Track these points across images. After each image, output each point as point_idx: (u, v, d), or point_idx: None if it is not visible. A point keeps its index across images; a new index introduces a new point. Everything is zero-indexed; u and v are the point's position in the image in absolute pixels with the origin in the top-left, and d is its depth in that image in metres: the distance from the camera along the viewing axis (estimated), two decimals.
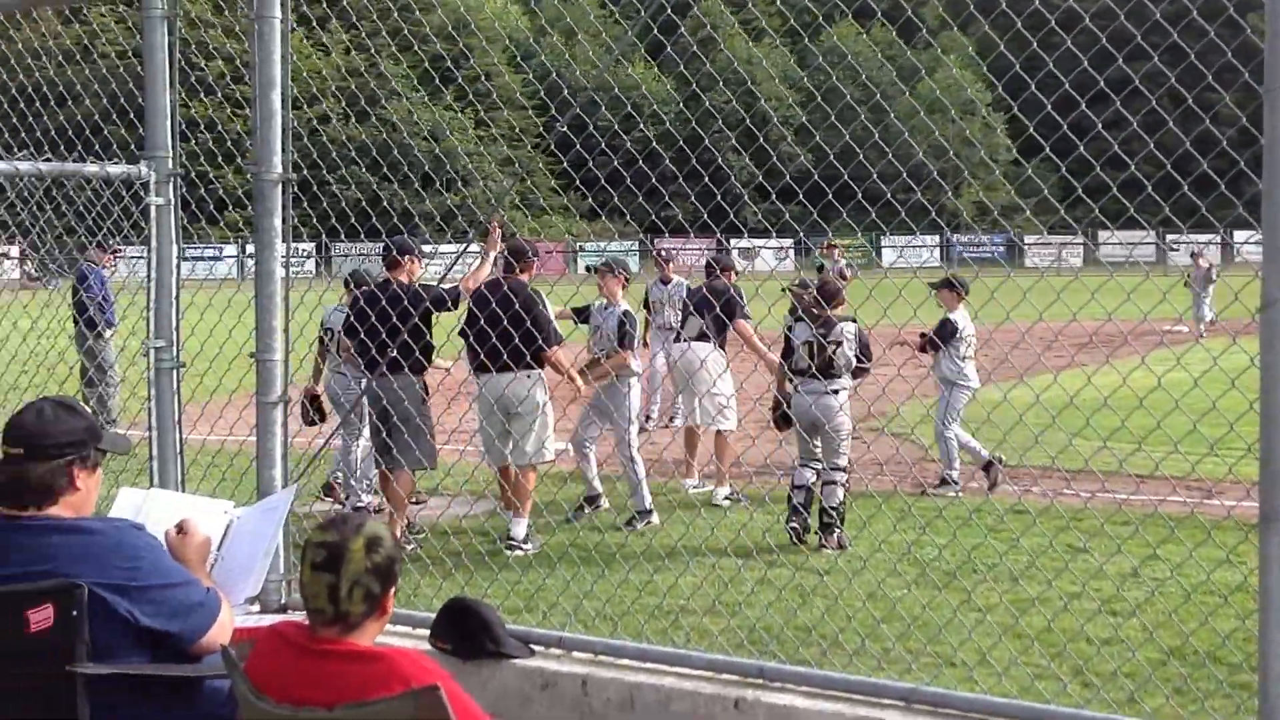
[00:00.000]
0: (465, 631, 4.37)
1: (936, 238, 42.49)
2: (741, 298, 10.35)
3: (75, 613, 3.34)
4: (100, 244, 10.58)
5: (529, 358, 8.12)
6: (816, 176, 5.10)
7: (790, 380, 8.45)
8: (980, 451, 9.89)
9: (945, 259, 42.49)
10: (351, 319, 8.36)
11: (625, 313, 9.27)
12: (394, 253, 8.51)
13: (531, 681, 4.29)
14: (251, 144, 4.87)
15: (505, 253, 8.68)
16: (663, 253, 14.19)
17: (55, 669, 3.35)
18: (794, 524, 8.11)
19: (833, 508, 8.18)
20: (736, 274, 10.93)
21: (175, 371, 5.14)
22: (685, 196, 5.47)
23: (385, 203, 7.07)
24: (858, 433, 9.74)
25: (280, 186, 4.85)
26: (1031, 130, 4.25)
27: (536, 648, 4.44)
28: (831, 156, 5.05)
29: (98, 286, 11.05)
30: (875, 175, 4.73)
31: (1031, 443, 4.66)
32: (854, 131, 5.18)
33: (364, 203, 7.81)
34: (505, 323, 7.28)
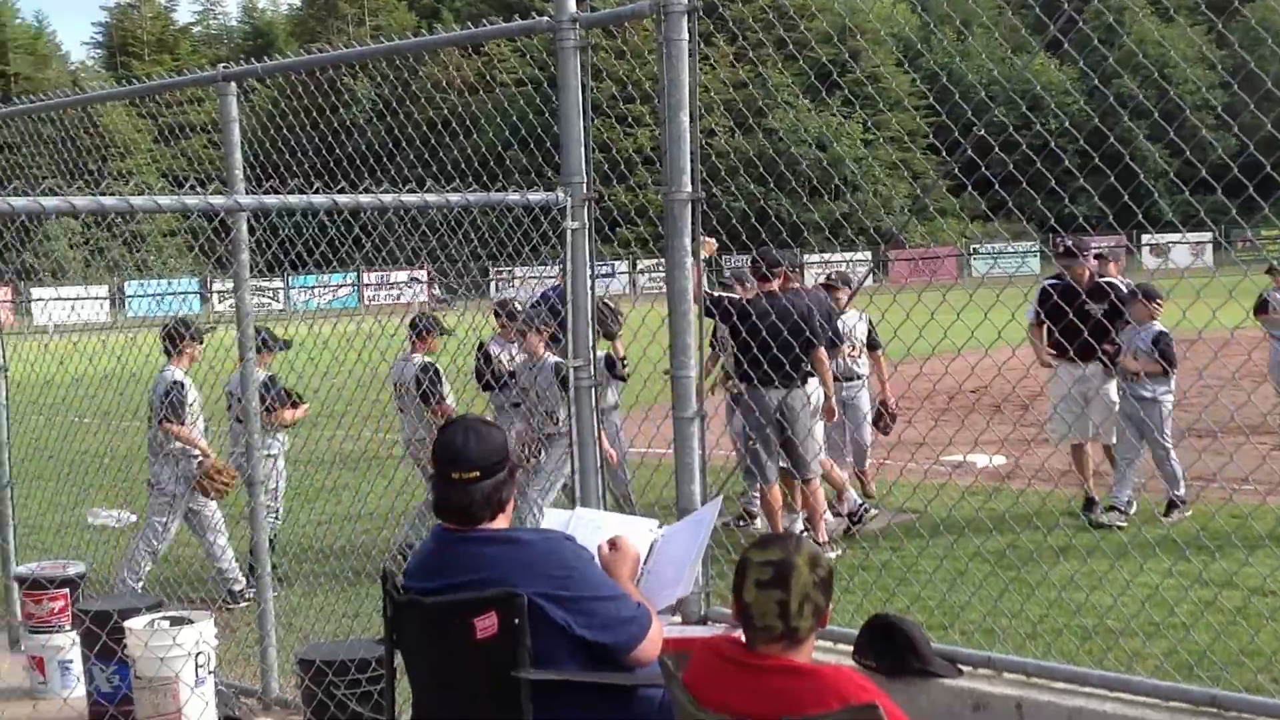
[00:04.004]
0: (890, 649, 4.38)
1: None
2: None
3: (517, 620, 3.55)
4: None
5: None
6: (1237, 166, 4.78)
7: None
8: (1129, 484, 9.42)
9: None
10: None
11: (555, 364, 8.95)
12: (765, 266, 8.74)
13: (962, 701, 4.24)
14: (660, 165, 5.07)
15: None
16: (839, 274, 11.26)
17: (500, 674, 3.57)
18: None
19: None
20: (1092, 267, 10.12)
21: (593, 389, 5.42)
22: (1090, 193, 5.27)
23: (773, 214, 7.18)
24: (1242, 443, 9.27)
25: (690, 206, 5.03)
26: None
27: (964, 668, 4.39)
28: (1254, 143, 4.72)
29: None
30: None
31: None
32: None
33: (751, 216, 7.97)
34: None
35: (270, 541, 8.87)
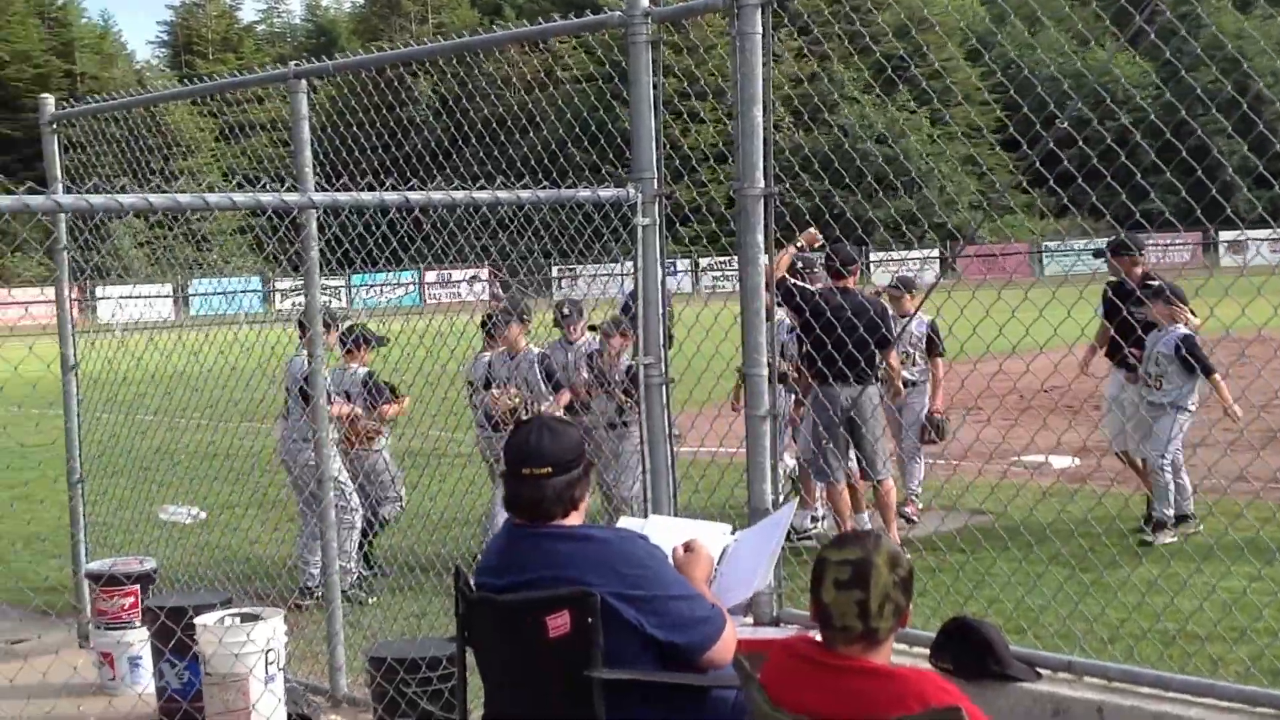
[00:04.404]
0: (967, 651, 4.36)
1: None
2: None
3: (590, 619, 3.57)
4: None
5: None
6: None
7: None
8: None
9: None
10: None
11: (540, 355, 9.05)
12: (838, 262, 8.76)
13: (1041, 706, 4.22)
14: (730, 160, 5.07)
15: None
16: (903, 278, 11.03)
17: (572, 673, 3.59)
18: None
19: None
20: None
21: (664, 387, 5.43)
22: (1169, 188, 5.21)
23: (840, 210, 7.15)
24: None
25: (763, 201, 5.02)
26: None
27: (1043, 671, 4.36)
28: None
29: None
30: None
31: None
32: None
33: (824, 213, 7.95)
34: None
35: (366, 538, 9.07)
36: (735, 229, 5.10)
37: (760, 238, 5.04)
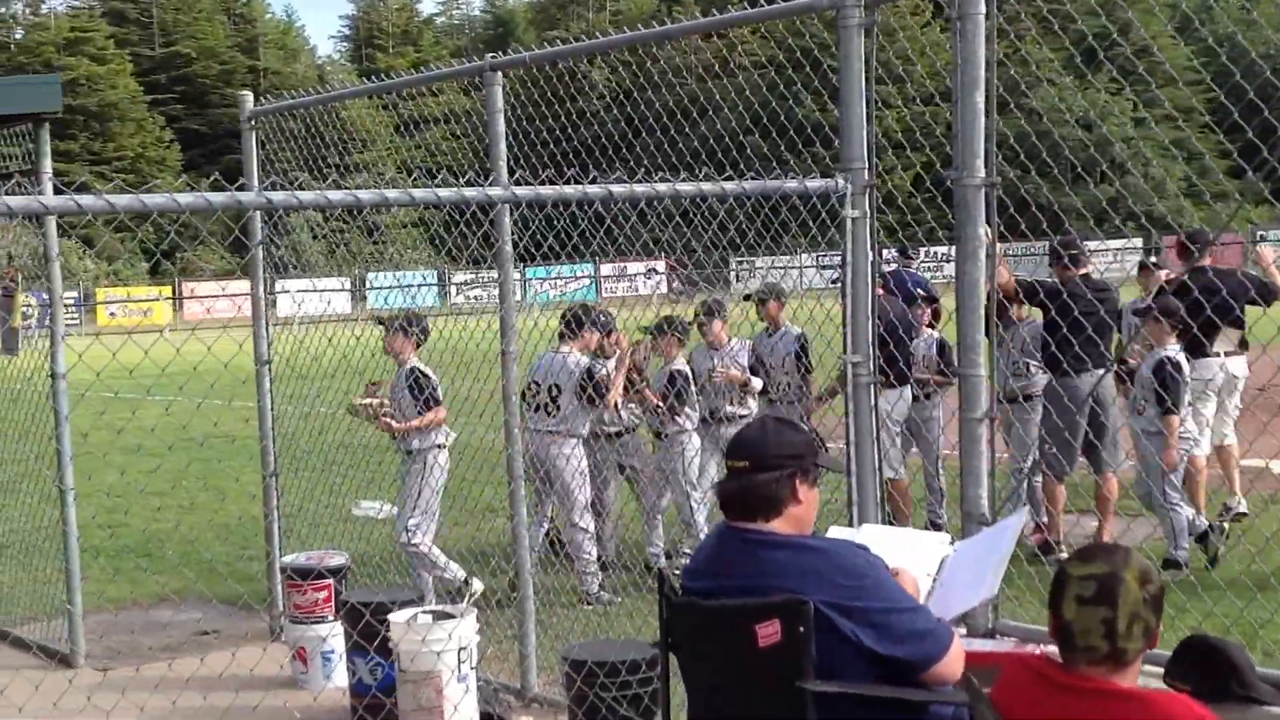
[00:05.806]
0: (1209, 672, 4.16)
1: None
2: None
3: (802, 629, 3.51)
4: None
5: None
6: None
7: None
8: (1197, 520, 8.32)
9: None
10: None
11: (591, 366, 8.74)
12: (1064, 254, 8.81)
13: None
14: (951, 148, 4.93)
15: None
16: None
17: (782, 683, 3.53)
18: None
19: None
20: None
21: (872, 386, 5.34)
22: None
23: (1033, 200, 6.97)
24: None
25: (984, 192, 4.88)
26: None
27: None
28: None
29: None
30: None
31: None
32: None
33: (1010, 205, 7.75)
34: None
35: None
36: (954, 221, 4.96)
37: (981, 230, 4.90)
